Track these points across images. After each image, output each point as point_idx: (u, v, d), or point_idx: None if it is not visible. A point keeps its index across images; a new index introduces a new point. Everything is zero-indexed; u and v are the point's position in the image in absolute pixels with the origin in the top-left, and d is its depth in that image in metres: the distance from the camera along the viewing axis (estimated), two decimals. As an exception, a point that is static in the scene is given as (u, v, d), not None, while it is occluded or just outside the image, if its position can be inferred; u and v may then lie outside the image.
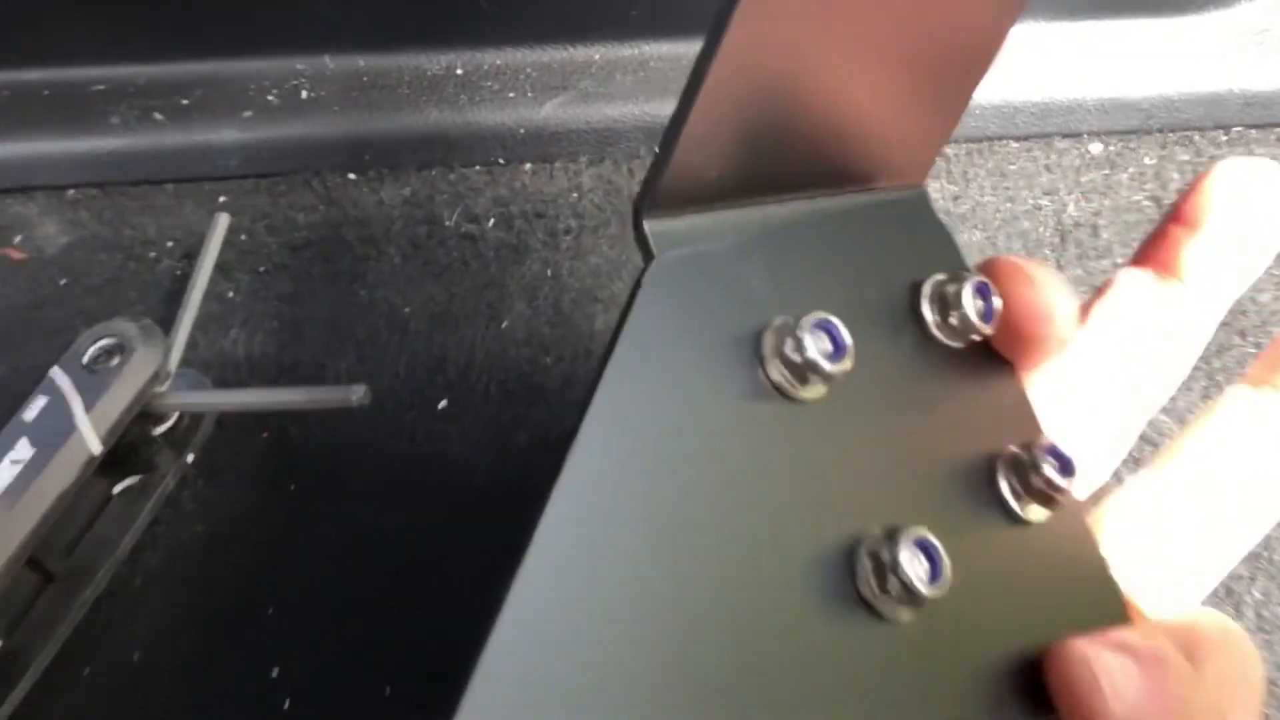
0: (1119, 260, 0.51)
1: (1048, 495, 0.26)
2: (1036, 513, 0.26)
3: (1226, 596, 0.44)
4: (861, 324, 0.26)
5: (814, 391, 0.24)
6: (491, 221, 0.51)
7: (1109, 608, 0.27)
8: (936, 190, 0.53)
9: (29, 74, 0.52)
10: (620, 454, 0.21)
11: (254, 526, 0.44)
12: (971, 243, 0.51)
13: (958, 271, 0.28)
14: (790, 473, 0.23)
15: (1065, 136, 0.55)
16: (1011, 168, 0.54)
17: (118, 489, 0.44)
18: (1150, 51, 0.55)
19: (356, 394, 0.42)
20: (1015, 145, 0.55)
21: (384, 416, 0.46)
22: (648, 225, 0.24)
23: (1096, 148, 0.55)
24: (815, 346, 0.23)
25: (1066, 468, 0.26)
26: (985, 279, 0.27)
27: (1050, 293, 0.27)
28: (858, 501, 0.24)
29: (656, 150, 0.24)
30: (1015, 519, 0.26)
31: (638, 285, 0.23)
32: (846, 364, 0.24)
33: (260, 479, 0.45)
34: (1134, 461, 0.43)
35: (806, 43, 0.23)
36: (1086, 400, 0.30)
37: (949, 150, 0.54)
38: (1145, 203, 0.54)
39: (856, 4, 0.24)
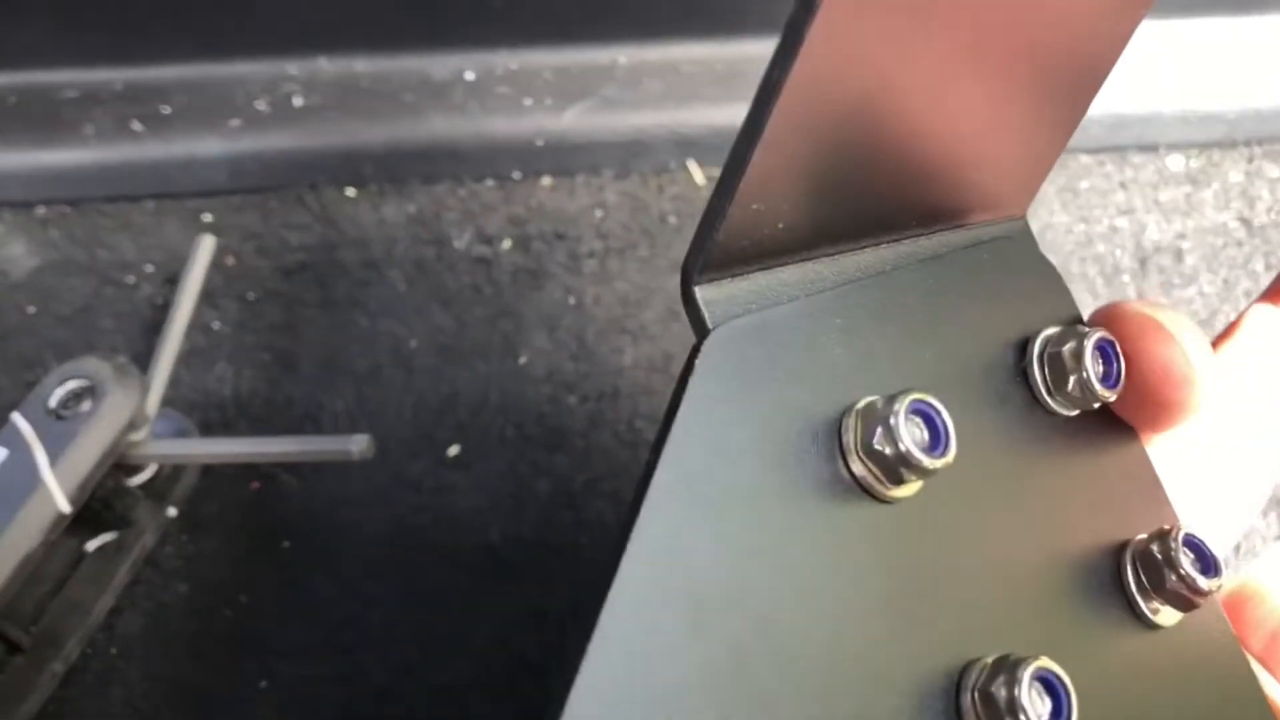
0: (1206, 289, 0.47)
1: (1185, 598, 0.22)
2: (1168, 616, 0.22)
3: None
4: (960, 395, 0.21)
5: (907, 490, 0.20)
6: (506, 243, 0.47)
7: None
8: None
9: (-7, 78, 0.47)
10: (674, 569, 0.17)
11: (243, 588, 0.40)
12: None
13: (1072, 325, 0.23)
14: (877, 585, 0.19)
15: (1141, 149, 0.51)
16: (1083, 184, 0.50)
17: (91, 546, 0.40)
18: (1235, 54, 0.51)
19: (358, 445, 0.38)
20: (1086, 159, 0.51)
21: (387, 464, 0.42)
22: (700, 293, 0.19)
23: (1176, 162, 0.51)
24: (911, 437, 0.19)
25: (1209, 566, 0.22)
26: (1108, 335, 0.23)
27: (1191, 349, 0.22)
28: (960, 617, 0.20)
29: (710, 196, 0.19)
30: (1145, 622, 0.22)
31: (689, 367, 0.19)
32: (950, 456, 0.19)
33: (250, 534, 0.41)
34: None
35: (900, 54, 0.19)
36: (1214, 456, 0.26)
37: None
38: (1233, 224, 0.49)
39: (959, 5, 0.19)
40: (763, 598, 0.18)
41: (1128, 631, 0.22)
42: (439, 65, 0.49)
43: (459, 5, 0.48)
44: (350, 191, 0.48)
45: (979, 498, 0.21)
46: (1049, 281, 0.25)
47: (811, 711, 0.17)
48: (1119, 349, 0.23)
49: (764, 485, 0.18)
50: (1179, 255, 0.48)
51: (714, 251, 0.19)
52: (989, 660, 0.19)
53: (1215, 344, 0.27)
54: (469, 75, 0.49)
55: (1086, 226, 0.48)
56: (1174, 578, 0.21)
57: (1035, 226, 0.48)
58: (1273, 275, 0.46)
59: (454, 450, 0.43)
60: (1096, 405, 0.23)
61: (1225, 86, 0.50)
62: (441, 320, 0.45)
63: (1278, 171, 0.50)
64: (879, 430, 0.19)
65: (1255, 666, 0.24)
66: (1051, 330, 0.23)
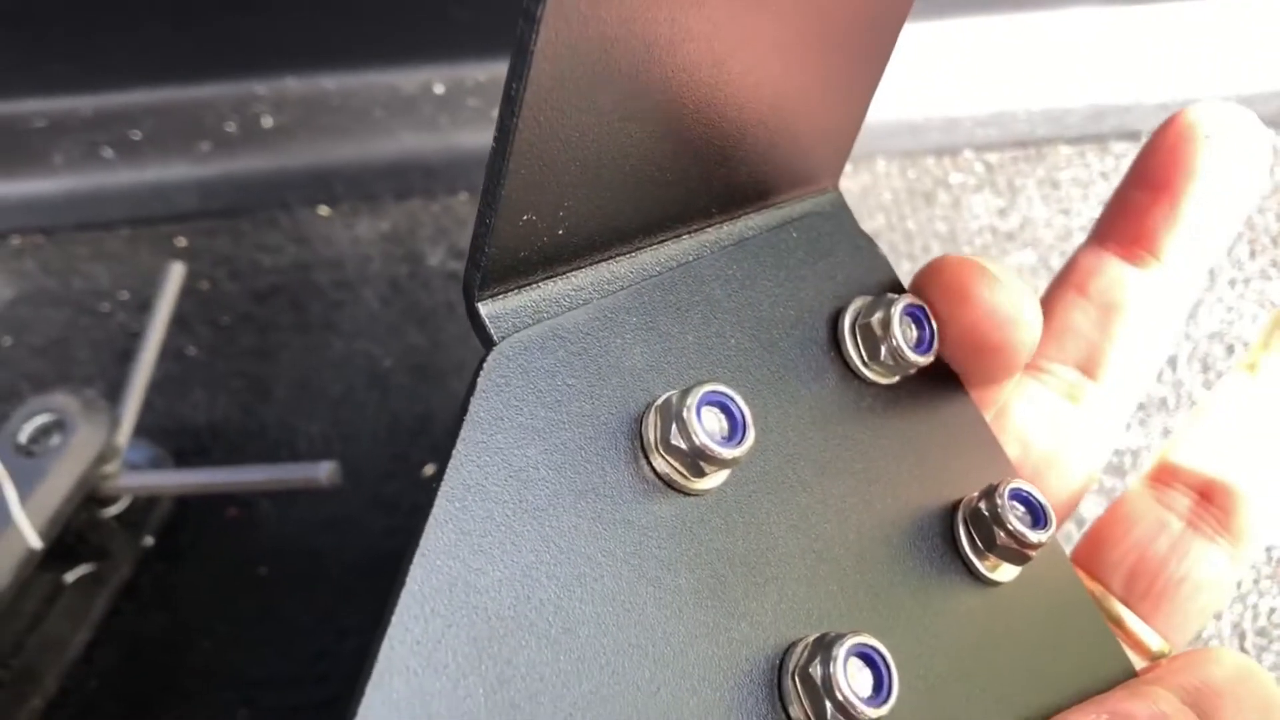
0: (1191, 279, 0.46)
1: (1017, 552, 0.21)
2: (1006, 571, 0.22)
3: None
4: (770, 378, 0.21)
5: (712, 480, 0.19)
6: (479, 257, 0.46)
7: (1106, 663, 0.22)
8: (980, 203, 0.48)
9: (-39, 111, 0.47)
10: (456, 601, 0.16)
11: (221, 617, 0.40)
12: (1023, 265, 0.46)
13: (884, 294, 0.23)
14: (691, 581, 0.19)
15: (1122, 138, 0.49)
16: (1063, 176, 0.49)
17: (68, 579, 0.40)
18: (1214, 37, 0.50)
19: (325, 471, 0.37)
20: (1067, 150, 0.49)
21: (363, 486, 0.42)
22: (483, 309, 0.19)
23: (1159, 149, 0.49)
24: (705, 429, 0.18)
25: (1038, 518, 0.21)
26: (917, 301, 0.22)
27: (1015, 291, 0.23)
28: (781, 601, 0.20)
29: (476, 212, 0.19)
30: (983, 580, 0.22)
31: (471, 387, 0.18)
32: (747, 444, 0.19)
33: (227, 562, 0.41)
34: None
35: (658, 37, 0.18)
36: (1063, 403, 0.27)
37: (992, 158, 0.49)
38: (1217, 211, 0.48)
39: None
40: (560, 613, 0.17)
41: (966, 591, 0.22)
42: (407, 79, 0.49)
43: (425, 19, 0.47)
44: (323, 210, 0.48)
45: (795, 478, 0.21)
46: (865, 253, 0.24)
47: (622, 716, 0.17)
48: (930, 313, 0.22)
49: (558, 498, 0.18)
50: (1163, 246, 0.47)
51: (491, 267, 0.19)
52: (809, 640, 0.19)
53: (1054, 292, 0.27)
54: (438, 89, 0.49)
55: (1066, 219, 0.47)
56: (1003, 534, 0.21)
57: (1014, 221, 0.47)
58: (1257, 263, 0.45)
59: (429, 470, 0.42)
60: (913, 371, 0.23)
61: (1207, 71, 0.49)
62: (415, 339, 0.45)
63: (1264, 156, 0.49)
64: (674, 426, 0.19)
65: (1118, 607, 0.24)
66: (861, 301, 0.23)
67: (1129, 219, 0.26)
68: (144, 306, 0.45)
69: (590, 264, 0.21)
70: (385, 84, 0.49)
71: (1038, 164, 0.49)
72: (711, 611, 0.19)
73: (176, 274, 0.44)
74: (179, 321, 0.44)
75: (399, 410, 0.43)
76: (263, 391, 0.44)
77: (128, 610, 0.40)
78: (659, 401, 0.19)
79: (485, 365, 0.18)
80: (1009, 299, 0.22)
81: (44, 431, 0.37)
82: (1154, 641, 0.24)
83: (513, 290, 0.19)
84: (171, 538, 0.41)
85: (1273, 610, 0.39)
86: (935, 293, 0.23)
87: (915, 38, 0.49)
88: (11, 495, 0.35)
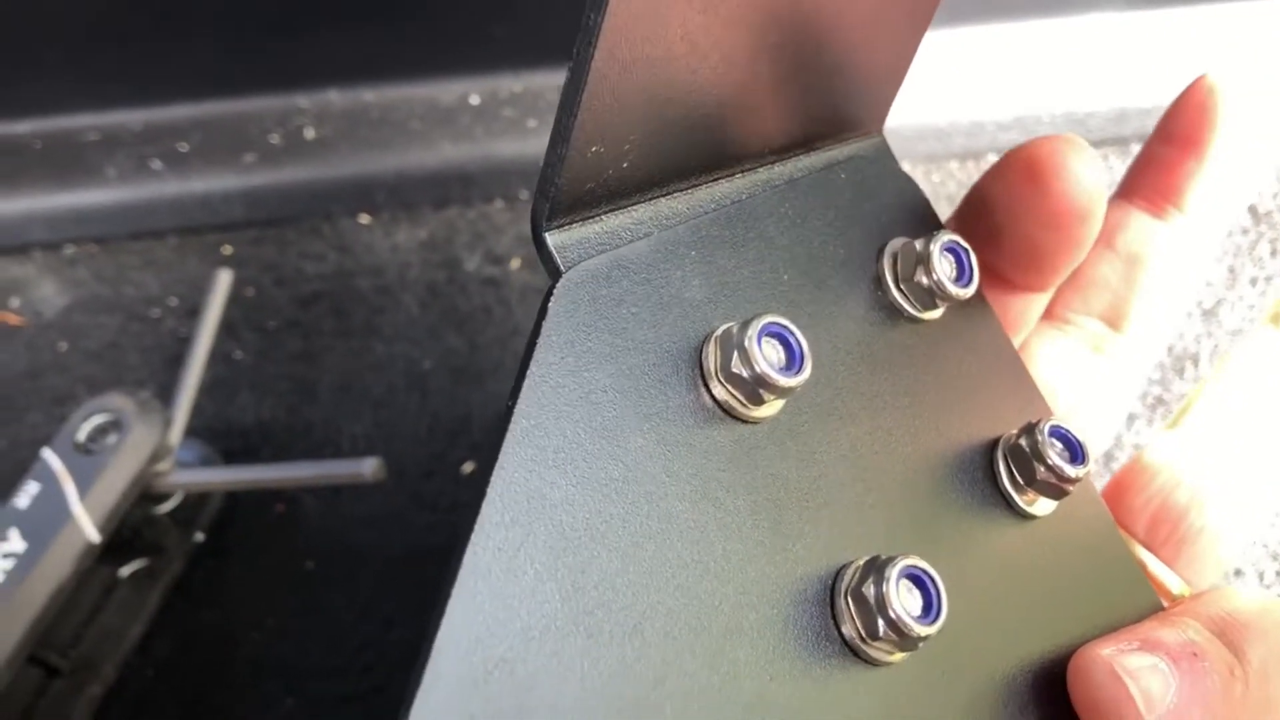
0: (1211, 277, 0.47)
1: (1056, 487, 0.22)
2: (1044, 505, 0.22)
3: None
4: (820, 313, 0.22)
5: (769, 409, 0.20)
6: (516, 262, 0.48)
7: (1135, 597, 0.23)
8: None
9: (19, 126, 0.49)
10: (534, 511, 0.17)
11: (269, 610, 0.41)
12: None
13: (926, 231, 0.23)
14: (750, 503, 0.19)
15: (1143, 141, 0.49)
16: (1085, 178, 0.49)
17: (123, 573, 0.41)
18: (1235, 40, 0.50)
19: (369, 468, 0.38)
20: (1088, 153, 0.50)
21: (404, 484, 0.43)
22: (550, 239, 0.20)
23: (1180, 151, 0.50)
24: (766, 359, 0.19)
25: (1076, 454, 0.22)
26: (955, 237, 0.23)
27: (1096, 170, 0.23)
28: (833, 525, 0.20)
29: (547, 143, 0.19)
30: (1021, 514, 0.22)
31: (542, 312, 0.19)
32: (804, 374, 0.19)
33: (274, 557, 0.43)
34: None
35: None
36: (1091, 351, 0.27)
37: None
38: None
39: None
40: (628, 528, 0.18)
41: (1005, 524, 0.22)
42: (444, 92, 0.50)
43: (461, 33, 0.48)
44: (364, 219, 0.49)
45: (845, 411, 0.21)
46: (908, 195, 0.25)
47: (681, 631, 0.18)
48: (970, 251, 0.23)
49: (624, 420, 0.19)
50: (1185, 246, 0.47)
51: (559, 198, 0.19)
52: (860, 562, 0.19)
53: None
54: (474, 100, 0.50)
55: (1089, 221, 0.48)
56: (1043, 469, 0.22)
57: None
58: (1278, 261, 0.45)
59: (468, 468, 0.43)
60: (956, 303, 0.23)
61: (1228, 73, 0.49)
62: (454, 342, 0.46)
63: (1285, 157, 0.49)
64: (735, 354, 0.19)
65: (1141, 551, 0.25)
66: (903, 239, 0.23)
67: (1155, 173, 0.27)
68: (193, 312, 0.47)
69: (650, 199, 0.21)
70: (423, 96, 0.50)
71: (1060, 167, 0.49)
72: (768, 533, 0.19)
73: (224, 281, 0.46)
74: (227, 327, 0.46)
75: (438, 410, 0.44)
76: (308, 393, 0.45)
77: (180, 604, 0.42)
78: (719, 332, 0.20)
79: (555, 292, 0.19)
80: (1097, 171, 0.23)
81: (101, 431, 0.38)
82: (1175, 584, 0.25)
83: (577, 222, 0.20)
84: (221, 534, 0.43)
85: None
86: (1024, 167, 0.23)
87: (939, 43, 0.50)
88: (71, 491, 0.37)
